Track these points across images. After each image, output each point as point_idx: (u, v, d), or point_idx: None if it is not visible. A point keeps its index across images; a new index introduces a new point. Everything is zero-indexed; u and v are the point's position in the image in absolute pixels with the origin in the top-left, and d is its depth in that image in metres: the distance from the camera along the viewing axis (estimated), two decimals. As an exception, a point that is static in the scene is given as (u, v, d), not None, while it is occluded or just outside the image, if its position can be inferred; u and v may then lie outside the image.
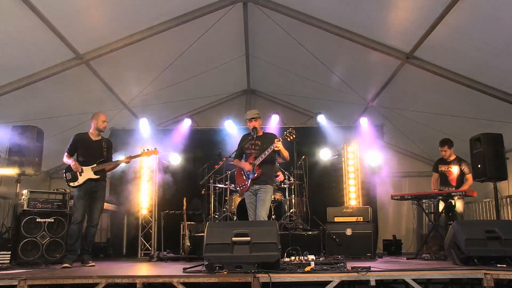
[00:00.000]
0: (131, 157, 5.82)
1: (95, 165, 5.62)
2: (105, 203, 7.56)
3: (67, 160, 5.69)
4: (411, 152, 9.46)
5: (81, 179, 5.57)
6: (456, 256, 4.61)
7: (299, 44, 7.05)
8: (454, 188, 6.46)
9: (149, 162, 8.46)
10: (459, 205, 6.39)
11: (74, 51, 6.22)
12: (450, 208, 6.38)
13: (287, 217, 7.34)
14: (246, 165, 5.43)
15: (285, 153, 5.42)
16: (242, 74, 9.15)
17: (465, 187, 6.41)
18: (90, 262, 5.48)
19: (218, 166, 6.08)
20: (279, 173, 7.65)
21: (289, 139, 5.27)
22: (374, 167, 8.55)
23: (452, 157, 6.65)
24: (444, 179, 6.67)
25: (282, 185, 7.63)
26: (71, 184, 5.60)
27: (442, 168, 6.70)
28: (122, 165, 8.41)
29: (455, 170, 6.57)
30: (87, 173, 5.59)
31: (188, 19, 6.48)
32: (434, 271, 4.10)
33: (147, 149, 5.99)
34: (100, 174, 5.66)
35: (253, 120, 5.51)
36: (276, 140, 5.24)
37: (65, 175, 5.66)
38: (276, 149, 5.23)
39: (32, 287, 3.79)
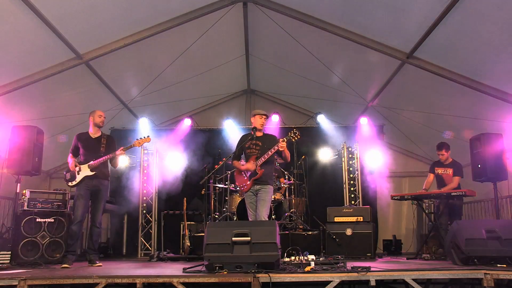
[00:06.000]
0: (125, 149, 5.65)
1: (91, 161, 5.57)
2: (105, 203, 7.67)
3: (69, 159, 5.72)
4: (411, 152, 9.45)
5: (78, 178, 5.53)
6: (456, 256, 4.61)
7: (299, 44, 7.04)
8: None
9: (149, 162, 8.47)
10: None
11: (74, 51, 6.23)
12: (451, 208, 6.40)
13: (287, 217, 7.34)
14: (251, 165, 5.31)
15: (288, 154, 5.41)
16: (242, 74, 9.15)
17: (448, 187, 6.44)
18: (97, 262, 5.46)
19: (218, 166, 6.07)
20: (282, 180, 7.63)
21: (294, 140, 5.27)
22: (374, 167, 8.55)
23: (449, 160, 6.67)
24: (440, 181, 6.69)
25: (282, 186, 7.62)
26: (70, 183, 5.59)
27: (439, 170, 6.71)
28: (121, 165, 8.55)
29: (451, 173, 6.59)
30: (84, 171, 5.55)
31: (188, 19, 6.48)
32: (434, 271, 4.10)
33: (139, 138, 5.75)
34: (97, 170, 5.56)
35: (264, 116, 5.48)
36: (281, 140, 5.22)
37: (65, 175, 5.68)
38: (280, 149, 5.22)
39: (32, 287, 3.79)
